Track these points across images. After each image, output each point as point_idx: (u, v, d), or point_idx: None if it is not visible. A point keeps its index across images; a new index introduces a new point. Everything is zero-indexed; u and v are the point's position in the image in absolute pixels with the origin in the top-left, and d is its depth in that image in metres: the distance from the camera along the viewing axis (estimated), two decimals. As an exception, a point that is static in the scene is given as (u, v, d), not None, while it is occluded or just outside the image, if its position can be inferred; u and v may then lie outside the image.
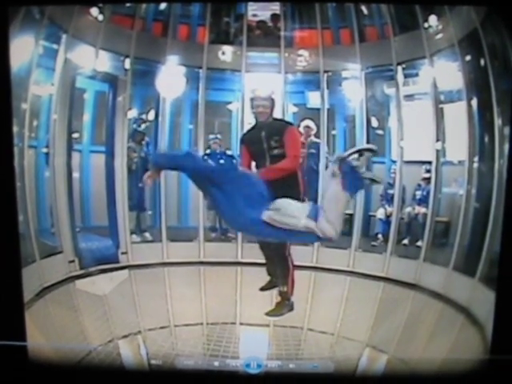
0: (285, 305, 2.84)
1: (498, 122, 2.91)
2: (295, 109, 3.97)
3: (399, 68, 3.63)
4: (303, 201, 2.65)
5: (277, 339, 2.76)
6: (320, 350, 2.67)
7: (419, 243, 3.57)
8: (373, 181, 2.63)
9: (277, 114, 3.02)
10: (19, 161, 2.81)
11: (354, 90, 3.79)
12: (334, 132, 4.03)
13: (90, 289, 3.16)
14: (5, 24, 2.14)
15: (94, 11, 3.39)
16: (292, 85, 3.87)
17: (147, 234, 3.90)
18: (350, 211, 3.60)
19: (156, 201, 3.85)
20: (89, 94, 3.87)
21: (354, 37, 3.77)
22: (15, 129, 2.39)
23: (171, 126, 3.97)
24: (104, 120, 3.75)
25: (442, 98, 3.54)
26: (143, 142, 3.88)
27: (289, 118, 3.80)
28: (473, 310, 2.72)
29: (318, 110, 3.77)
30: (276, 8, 3.73)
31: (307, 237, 2.42)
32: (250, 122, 3.14)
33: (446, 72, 3.45)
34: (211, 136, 3.80)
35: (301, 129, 3.64)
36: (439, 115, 3.52)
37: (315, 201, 2.86)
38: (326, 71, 3.76)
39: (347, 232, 3.62)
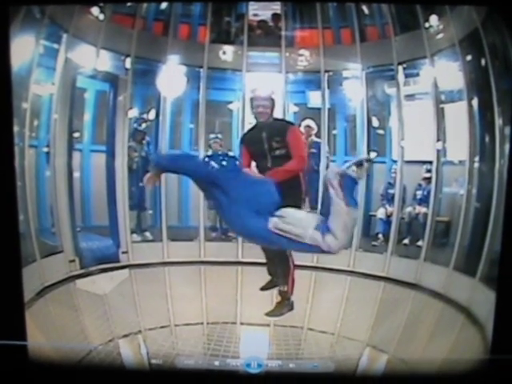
0: (285, 304, 2.84)
1: (498, 121, 2.90)
2: (296, 108, 3.97)
3: (400, 68, 3.63)
4: (304, 201, 2.64)
5: (277, 339, 2.76)
6: (320, 349, 2.67)
7: (420, 243, 3.56)
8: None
9: (277, 114, 3.02)
10: (20, 160, 2.81)
11: (354, 89, 3.79)
12: (334, 132, 4.02)
13: (91, 288, 3.17)
14: (5, 23, 2.14)
15: (95, 10, 3.39)
16: (293, 84, 3.86)
17: (148, 234, 3.90)
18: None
19: (156, 200, 3.85)
20: (89, 94, 3.87)
21: (355, 36, 3.76)
22: (16, 128, 2.39)
23: (172, 125, 3.96)
24: (105, 119, 3.75)
25: (443, 97, 3.54)
26: (144, 142, 3.88)
27: (289, 117, 3.79)
28: (473, 310, 2.71)
29: (319, 109, 3.77)
30: (277, 8, 3.73)
31: (310, 248, 2.32)
32: (250, 121, 3.13)
33: (446, 72, 3.45)
34: (212, 135, 3.79)
35: (301, 128, 3.64)
36: (440, 115, 3.51)
37: (315, 201, 2.86)
38: (326, 71, 3.76)
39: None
